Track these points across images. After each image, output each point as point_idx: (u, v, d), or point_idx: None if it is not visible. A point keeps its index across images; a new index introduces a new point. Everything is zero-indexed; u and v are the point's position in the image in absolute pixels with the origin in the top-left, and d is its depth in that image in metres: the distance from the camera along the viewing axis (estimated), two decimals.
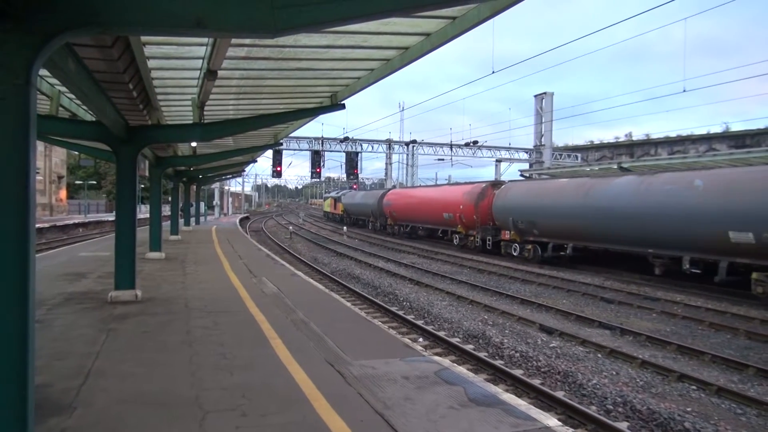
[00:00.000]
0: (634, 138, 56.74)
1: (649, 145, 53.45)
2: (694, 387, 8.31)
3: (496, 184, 28.41)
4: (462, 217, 28.34)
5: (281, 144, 24.58)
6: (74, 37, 4.52)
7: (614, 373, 8.94)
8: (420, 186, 47.39)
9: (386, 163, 58.73)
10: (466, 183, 32.47)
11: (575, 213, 20.41)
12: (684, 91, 26.27)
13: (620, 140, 57.99)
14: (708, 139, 47.86)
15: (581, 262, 21.86)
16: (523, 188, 25.22)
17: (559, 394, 7.71)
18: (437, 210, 31.08)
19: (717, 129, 48.88)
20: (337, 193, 63.65)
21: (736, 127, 47.98)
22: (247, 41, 7.35)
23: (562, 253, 21.91)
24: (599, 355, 9.92)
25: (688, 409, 7.42)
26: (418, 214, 34.76)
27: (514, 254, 24.43)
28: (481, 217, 26.92)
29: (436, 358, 6.96)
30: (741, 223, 14.50)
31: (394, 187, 50.54)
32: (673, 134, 51.62)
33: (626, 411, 7.38)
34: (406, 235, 37.97)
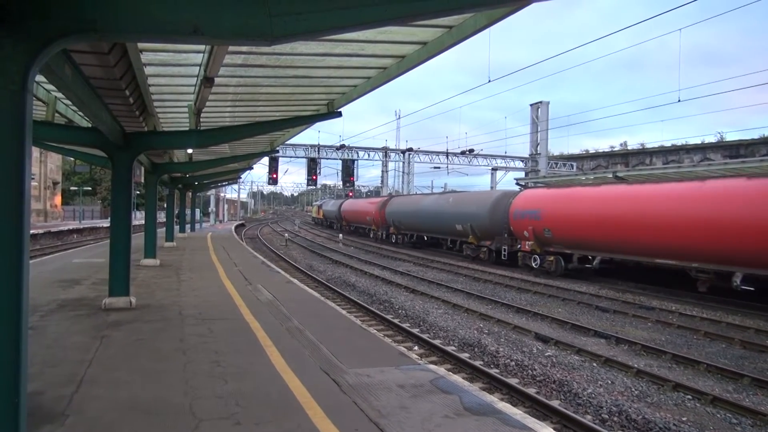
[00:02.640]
0: (629, 147, 56.93)
1: (644, 154, 53.66)
2: (689, 396, 8.31)
3: (393, 196, 43.23)
4: (374, 220, 42.89)
5: (277, 151, 24.59)
6: (70, 43, 4.51)
7: (610, 382, 8.93)
8: (360, 198, 61.92)
9: (382, 171, 58.91)
10: (379, 197, 50.59)
11: (415, 215, 34.91)
12: (679, 100, 26.56)
13: (615, 149, 58.18)
14: (702, 148, 48.07)
15: (434, 246, 34.81)
16: (399, 200, 40.14)
17: (555, 404, 7.69)
18: (364, 215, 46.13)
19: (711, 138, 49.07)
20: (320, 201, 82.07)
21: (731, 136, 48.08)
22: (244, 49, 7.35)
23: (413, 239, 36.34)
24: (595, 364, 9.92)
25: (684, 419, 7.42)
26: (356, 218, 49.94)
27: (393, 241, 38.76)
28: (382, 219, 40.80)
29: (432, 366, 6.93)
30: (459, 221, 28.06)
31: (347, 196, 59.44)
32: (668, 143, 51.92)
33: (621, 420, 7.37)
34: (354, 233, 51.06)
